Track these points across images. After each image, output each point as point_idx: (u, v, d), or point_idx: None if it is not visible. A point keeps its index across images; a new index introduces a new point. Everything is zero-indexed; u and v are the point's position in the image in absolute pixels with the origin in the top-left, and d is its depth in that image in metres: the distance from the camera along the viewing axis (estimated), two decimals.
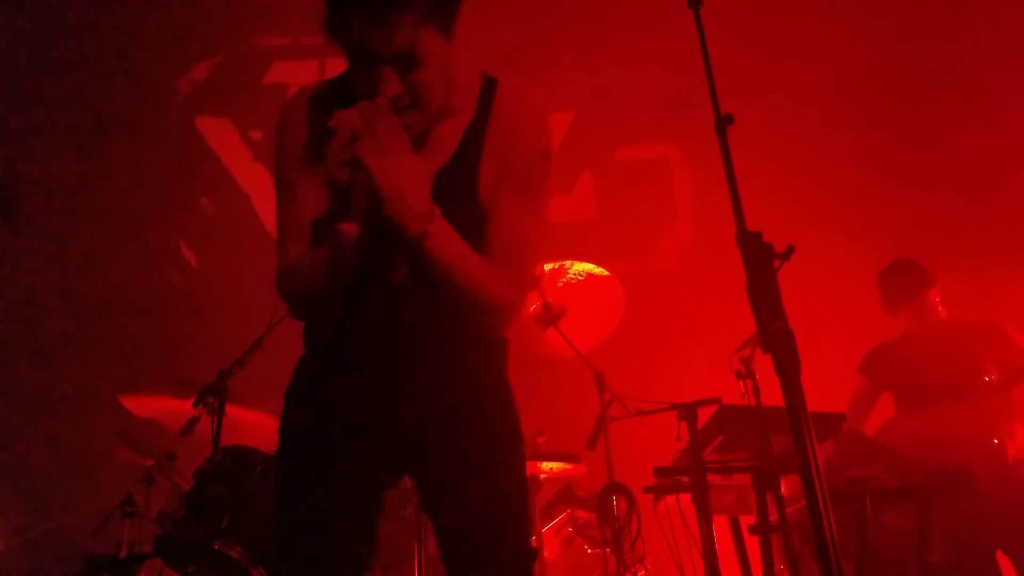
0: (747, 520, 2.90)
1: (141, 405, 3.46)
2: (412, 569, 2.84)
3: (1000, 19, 5.51)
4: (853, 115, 5.46)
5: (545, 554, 3.47)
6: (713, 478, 2.79)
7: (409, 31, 1.46)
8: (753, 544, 2.76)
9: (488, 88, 1.68)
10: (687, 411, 2.87)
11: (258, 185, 5.78)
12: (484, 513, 1.61)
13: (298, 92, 1.74)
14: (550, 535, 3.81)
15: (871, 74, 5.51)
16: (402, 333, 1.64)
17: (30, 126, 5.56)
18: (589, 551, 3.81)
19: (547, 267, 3.63)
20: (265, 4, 5.73)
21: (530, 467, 3.45)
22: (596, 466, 3.53)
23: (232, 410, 3.19)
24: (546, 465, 3.78)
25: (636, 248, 5.64)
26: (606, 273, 3.70)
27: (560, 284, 3.68)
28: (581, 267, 3.69)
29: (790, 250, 1.38)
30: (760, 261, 1.36)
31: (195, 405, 3.13)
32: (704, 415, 2.84)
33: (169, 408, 3.37)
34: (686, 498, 2.87)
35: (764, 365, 1.44)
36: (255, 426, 3.39)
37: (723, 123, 1.50)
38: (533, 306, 3.61)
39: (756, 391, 2.67)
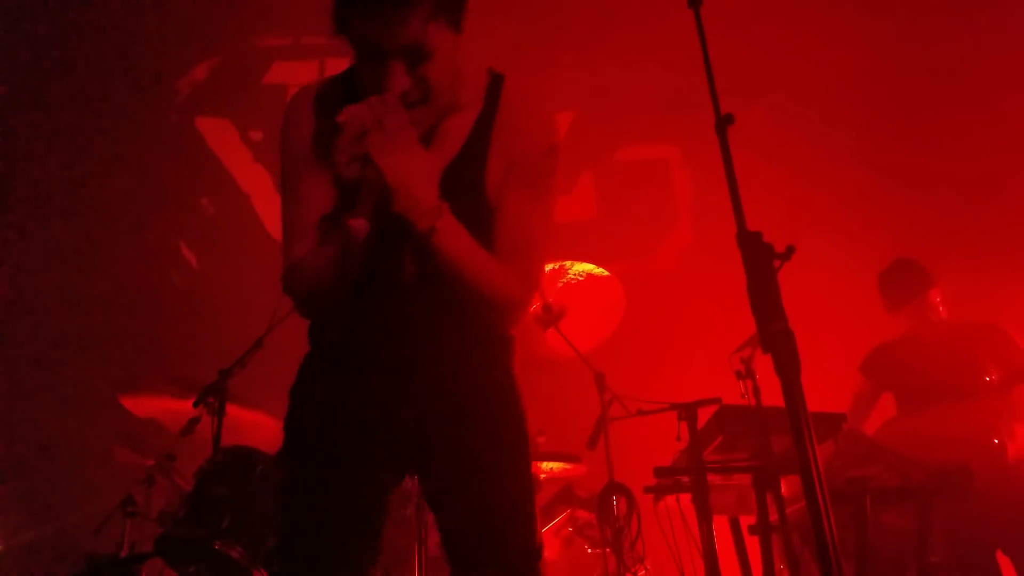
0: (747, 520, 2.90)
1: (141, 405, 3.46)
2: (412, 569, 2.84)
3: (1000, 19, 5.51)
4: (853, 115, 5.46)
5: (545, 554, 3.46)
6: (713, 478, 2.79)
7: (419, 24, 1.46)
8: (753, 544, 2.76)
9: (495, 84, 1.68)
10: (687, 411, 2.87)
11: (258, 185, 5.78)
12: (490, 512, 1.61)
13: (303, 89, 1.73)
14: (550, 535, 3.81)
15: (871, 74, 5.51)
16: (409, 330, 1.63)
17: (30, 126, 5.56)
18: (589, 551, 3.81)
19: (547, 267, 3.63)
20: (265, 4, 5.73)
21: None
22: (596, 466, 3.53)
23: (232, 410, 3.20)
24: (546, 465, 3.78)
25: (636, 248, 5.64)
26: (606, 273, 3.70)
27: (560, 284, 3.68)
28: (581, 267, 3.69)
29: (790, 250, 1.38)
30: (760, 261, 1.36)
31: (195, 405, 3.13)
32: (704, 415, 2.83)
33: (169, 408, 3.38)
34: (686, 498, 2.87)
35: (764, 365, 1.44)
36: (255, 426, 3.39)
37: (723, 123, 1.50)
38: (533, 306, 3.61)
39: (756, 391, 2.67)
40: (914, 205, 5.29)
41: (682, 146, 5.91)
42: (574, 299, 3.69)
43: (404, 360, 1.64)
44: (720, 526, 2.80)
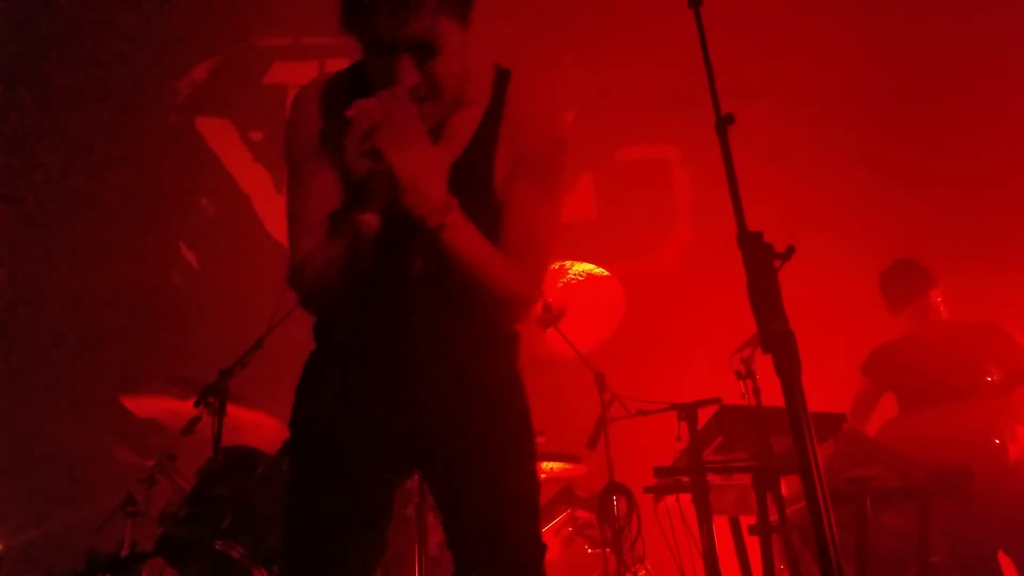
0: (747, 520, 2.90)
1: (142, 405, 3.47)
2: (412, 569, 2.84)
3: (1000, 19, 5.51)
4: (853, 115, 5.46)
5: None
6: (713, 478, 2.79)
7: (428, 18, 1.45)
8: (753, 544, 2.76)
9: (501, 78, 1.67)
10: (687, 411, 2.86)
11: (258, 185, 5.79)
12: (497, 508, 1.61)
13: (309, 84, 1.72)
14: (550, 535, 3.81)
15: (871, 74, 5.51)
16: (416, 327, 1.63)
17: (30, 126, 5.57)
18: (589, 551, 3.81)
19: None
20: (265, 4, 5.73)
21: None
22: (596, 466, 3.53)
23: (233, 410, 3.20)
24: (546, 465, 3.78)
25: (636, 248, 5.65)
26: (606, 273, 3.70)
27: (560, 284, 3.68)
28: (581, 267, 3.69)
29: (791, 250, 1.38)
30: (761, 261, 1.36)
31: (196, 405, 3.13)
32: (704, 415, 2.83)
33: (170, 408, 3.38)
34: (686, 498, 2.87)
35: (764, 365, 1.44)
36: (256, 426, 3.40)
37: (724, 123, 1.50)
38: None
39: (756, 391, 2.67)
40: (914, 205, 5.29)
41: (682, 146, 5.91)
42: (574, 299, 3.69)
43: (411, 356, 1.63)
44: (720, 526, 2.80)
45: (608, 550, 3.25)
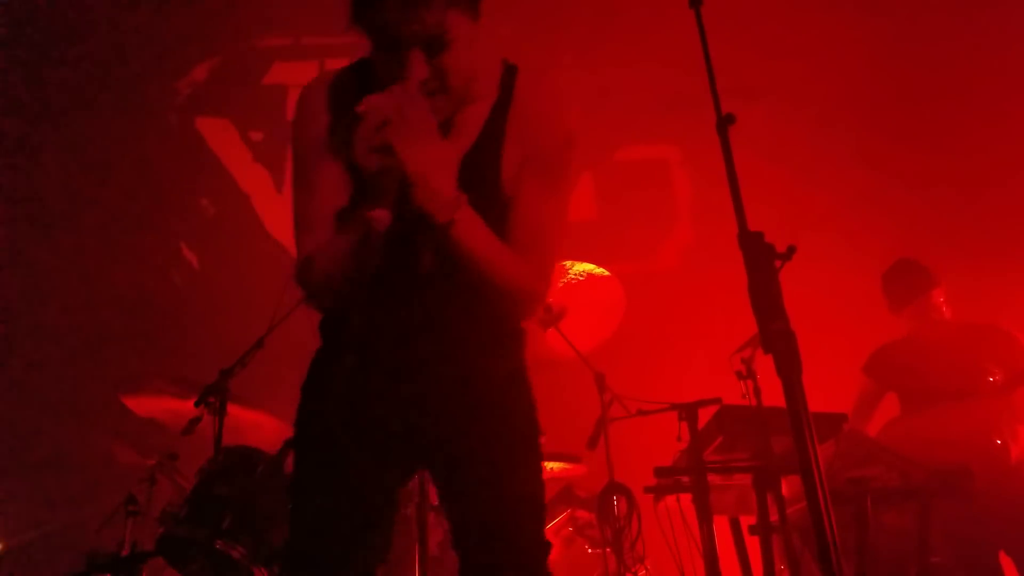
0: (747, 520, 2.90)
1: (143, 405, 3.47)
2: (412, 569, 2.84)
3: (1000, 19, 5.51)
4: (853, 115, 5.46)
5: None
6: (713, 478, 2.79)
7: (438, 12, 1.44)
8: (753, 544, 2.76)
9: (509, 73, 1.66)
10: (687, 411, 2.87)
11: (258, 185, 5.78)
12: (504, 504, 1.61)
13: (315, 80, 1.71)
14: (550, 535, 3.81)
15: (871, 74, 5.51)
16: (425, 323, 1.62)
17: (30, 126, 5.57)
18: (589, 551, 3.81)
19: None
20: (265, 4, 5.73)
21: None
22: (596, 466, 3.53)
23: (233, 410, 3.20)
24: (546, 465, 3.77)
25: (636, 248, 5.64)
26: (606, 273, 3.70)
27: (560, 284, 3.68)
28: (581, 267, 3.69)
29: (791, 250, 1.38)
30: (761, 261, 1.36)
31: (197, 405, 3.13)
32: (705, 415, 2.83)
33: (170, 408, 3.38)
34: (686, 498, 2.87)
35: (765, 365, 1.44)
36: (256, 426, 3.40)
37: (724, 123, 1.50)
38: None
39: (757, 391, 2.67)
40: (914, 205, 5.29)
41: (682, 146, 5.91)
42: (574, 299, 3.69)
43: (418, 354, 1.63)
44: (720, 526, 2.80)
45: (608, 550, 3.25)
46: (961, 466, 2.81)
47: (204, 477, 2.91)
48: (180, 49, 5.83)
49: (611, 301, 3.74)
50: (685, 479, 2.84)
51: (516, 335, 1.74)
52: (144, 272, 5.51)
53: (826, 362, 2.99)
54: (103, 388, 4.08)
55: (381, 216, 1.38)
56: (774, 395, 1.40)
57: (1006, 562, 3.37)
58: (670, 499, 3.02)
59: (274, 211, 5.63)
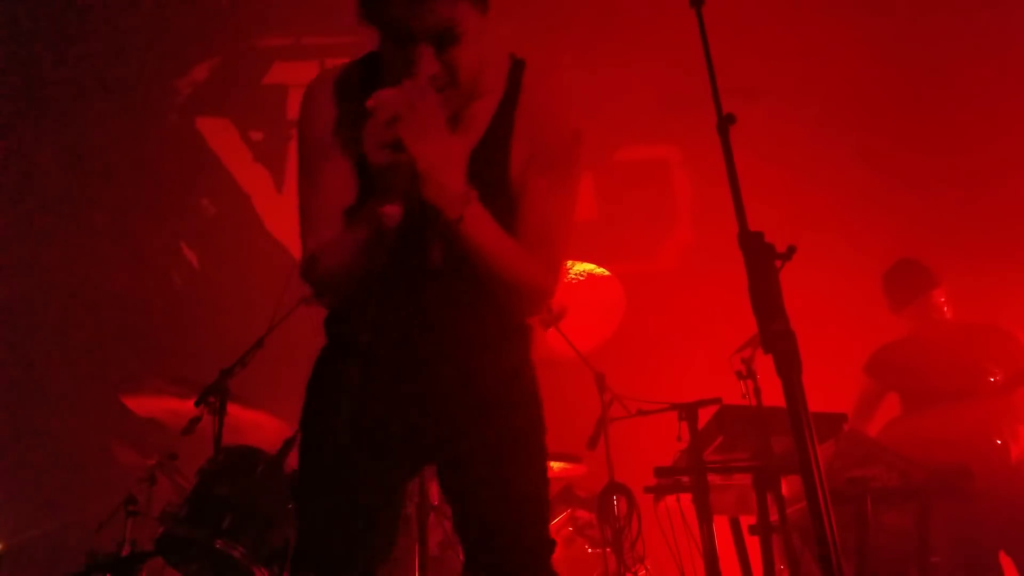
0: (747, 520, 2.90)
1: (143, 405, 3.47)
2: (412, 569, 2.84)
3: (1000, 19, 5.51)
4: (853, 115, 5.46)
5: None
6: (713, 478, 2.79)
7: (449, 4, 1.43)
8: (753, 544, 2.76)
9: (516, 68, 1.66)
10: (687, 411, 2.87)
11: (258, 185, 5.78)
12: (509, 500, 1.61)
13: (321, 76, 1.70)
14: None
15: (871, 74, 5.51)
16: (433, 319, 1.62)
17: (30, 126, 5.57)
18: (589, 551, 3.81)
19: None
20: (265, 4, 5.73)
21: None
22: (596, 466, 3.53)
23: (233, 409, 3.20)
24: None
25: (636, 248, 5.64)
26: (606, 273, 3.71)
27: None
28: (581, 267, 3.69)
29: (792, 250, 1.38)
30: (762, 261, 1.36)
31: (197, 404, 3.13)
32: (705, 415, 2.83)
33: (171, 408, 3.38)
34: (686, 498, 2.87)
35: (765, 365, 1.44)
36: (256, 426, 3.39)
37: (725, 123, 1.50)
38: None
39: (757, 391, 2.67)
40: (914, 205, 5.29)
41: (682, 146, 5.91)
42: (574, 299, 3.69)
43: (424, 352, 1.62)
44: (720, 526, 2.80)
45: (608, 550, 3.25)
46: (961, 466, 2.81)
47: (204, 477, 2.91)
48: (180, 49, 5.83)
49: (611, 301, 3.74)
50: (685, 479, 2.84)
51: (522, 331, 1.74)
52: (144, 272, 5.51)
53: (826, 362, 2.99)
54: (103, 388, 4.08)
55: (392, 212, 1.37)
56: (774, 395, 1.40)
57: (1006, 562, 3.37)
58: (670, 499, 3.02)
59: (274, 211, 5.63)
